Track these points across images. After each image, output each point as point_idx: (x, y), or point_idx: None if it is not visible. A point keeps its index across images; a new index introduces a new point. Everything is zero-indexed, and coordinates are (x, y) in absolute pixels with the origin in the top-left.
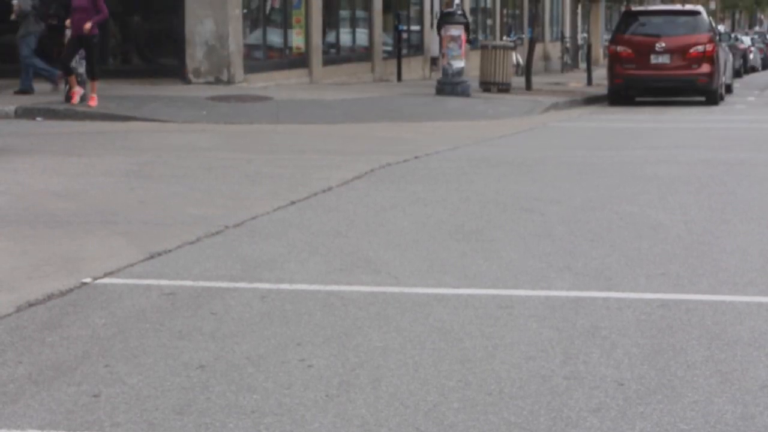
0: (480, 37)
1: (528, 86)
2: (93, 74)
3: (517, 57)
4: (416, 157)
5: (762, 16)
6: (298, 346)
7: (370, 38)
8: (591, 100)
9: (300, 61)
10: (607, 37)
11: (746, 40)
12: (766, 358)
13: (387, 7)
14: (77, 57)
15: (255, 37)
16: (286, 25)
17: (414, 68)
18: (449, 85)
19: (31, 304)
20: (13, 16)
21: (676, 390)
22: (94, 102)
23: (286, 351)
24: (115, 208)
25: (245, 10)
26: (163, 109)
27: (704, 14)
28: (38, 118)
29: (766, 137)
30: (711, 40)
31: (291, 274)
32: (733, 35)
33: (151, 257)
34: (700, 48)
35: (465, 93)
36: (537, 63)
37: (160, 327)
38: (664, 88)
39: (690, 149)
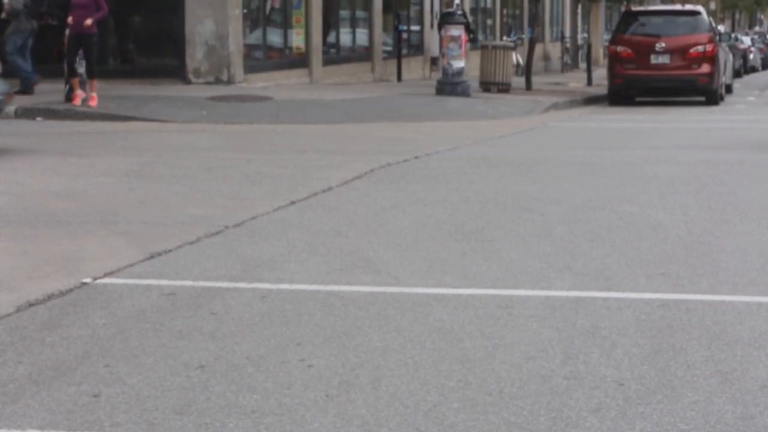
0: (480, 37)
1: (528, 86)
2: (92, 73)
3: (517, 57)
4: (416, 157)
5: (762, 16)
6: (298, 346)
7: (370, 38)
8: (591, 100)
9: (300, 61)
10: (607, 37)
11: (746, 40)
12: (766, 358)
13: (387, 7)
14: (77, 57)
15: (255, 37)
16: (286, 25)
17: (414, 68)
18: (449, 85)
19: (31, 304)
20: (3, 15)
21: (676, 390)
22: (93, 102)
23: (286, 351)
24: (115, 208)
25: (245, 10)
26: (163, 109)
27: (704, 14)
28: (38, 118)
29: (766, 137)
30: (711, 41)
31: (291, 274)
32: (733, 35)
33: (151, 257)
34: (700, 48)
35: (465, 93)
36: (537, 63)
37: (160, 327)
38: (664, 88)
39: (690, 149)
